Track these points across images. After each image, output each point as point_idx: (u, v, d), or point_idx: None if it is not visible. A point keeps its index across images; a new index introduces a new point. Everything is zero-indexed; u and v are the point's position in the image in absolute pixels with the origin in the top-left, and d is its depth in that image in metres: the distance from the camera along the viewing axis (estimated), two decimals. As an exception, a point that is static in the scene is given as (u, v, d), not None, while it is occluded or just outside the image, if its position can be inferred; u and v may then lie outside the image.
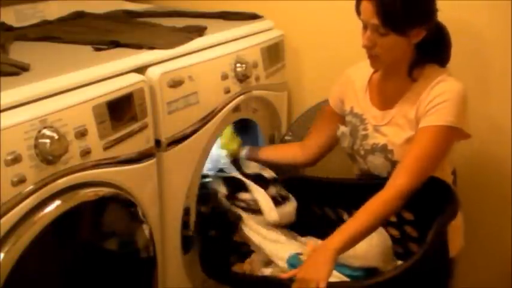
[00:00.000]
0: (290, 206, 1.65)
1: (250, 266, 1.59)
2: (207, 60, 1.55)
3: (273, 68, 1.80)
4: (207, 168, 1.71)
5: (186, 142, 1.49)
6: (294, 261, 1.48)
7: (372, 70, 1.55)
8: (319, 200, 1.67)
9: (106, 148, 1.27)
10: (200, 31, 1.63)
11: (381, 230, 1.50)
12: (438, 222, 1.30)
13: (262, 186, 1.66)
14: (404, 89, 1.48)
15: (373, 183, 1.39)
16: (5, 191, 1.07)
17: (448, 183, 1.46)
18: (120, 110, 1.30)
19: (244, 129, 1.87)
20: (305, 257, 1.44)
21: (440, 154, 1.41)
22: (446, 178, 1.50)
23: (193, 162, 1.54)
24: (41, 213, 1.15)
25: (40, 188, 1.13)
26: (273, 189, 1.66)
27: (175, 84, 1.44)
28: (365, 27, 1.41)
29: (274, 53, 1.81)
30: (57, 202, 1.18)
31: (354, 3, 1.43)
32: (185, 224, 1.57)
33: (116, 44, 1.46)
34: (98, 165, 1.25)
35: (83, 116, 1.21)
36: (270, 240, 1.59)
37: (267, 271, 1.55)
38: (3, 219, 1.08)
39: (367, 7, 1.37)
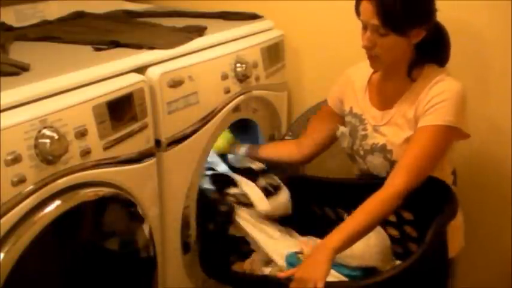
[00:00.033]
0: (283, 196, 1.66)
1: (251, 265, 1.59)
2: (207, 60, 1.55)
3: (273, 68, 1.80)
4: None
5: (186, 142, 1.49)
6: (293, 260, 1.49)
7: (371, 70, 1.55)
8: (319, 200, 1.68)
9: (106, 148, 1.27)
10: (200, 31, 1.63)
11: (379, 230, 1.50)
12: (437, 222, 1.30)
13: (251, 179, 1.67)
14: (404, 89, 1.48)
15: (373, 183, 1.39)
16: (5, 191, 1.07)
17: (447, 183, 1.46)
18: (120, 110, 1.30)
19: (244, 129, 1.87)
20: (303, 256, 1.44)
21: (438, 154, 1.41)
22: (446, 178, 1.50)
23: (193, 162, 1.54)
24: (41, 213, 1.15)
25: (40, 188, 1.13)
26: (262, 181, 1.67)
27: (175, 84, 1.44)
28: (365, 27, 1.41)
29: (274, 53, 1.81)
30: (57, 202, 1.18)
31: (354, 3, 1.43)
32: (185, 224, 1.57)
33: (116, 44, 1.46)
34: (98, 165, 1.25)
35: (83, 116, 1.21)
36: (265, 234, 1.59)
37: (267, 270, 1.55)
38: (3, 219, 1.08)
39: (367, 7, 1.37)
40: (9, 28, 1.64)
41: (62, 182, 1.18)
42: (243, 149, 1.77)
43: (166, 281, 1.54)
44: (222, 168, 1.74)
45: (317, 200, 1.68)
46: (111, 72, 1.32)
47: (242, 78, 1.64)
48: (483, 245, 1.81)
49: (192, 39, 1.57)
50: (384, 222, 1.52)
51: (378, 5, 1.35)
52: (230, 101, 1.63)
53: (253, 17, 1.87)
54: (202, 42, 1.60)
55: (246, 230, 1.61)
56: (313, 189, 1.69)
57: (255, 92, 1.73)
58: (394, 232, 1.54)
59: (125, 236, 1.42)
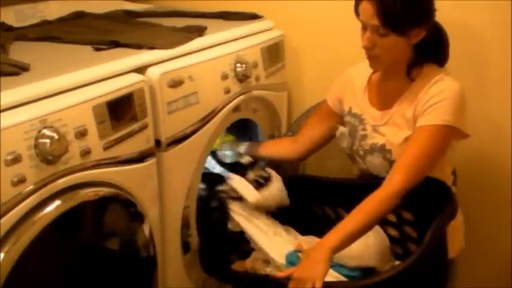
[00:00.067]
0: (274, 186, 1.66)
1: (253, 263, 1.59)
2: (207, 60, 1.55)
3: (273, 68, 1.80)
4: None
5: (186, 142, 1.49)
6: (293, 259, 1.49)
7: (371, 70, 1.55)
8: (320, 200, 1.68)
9: (106, 148, 1.27)
10: (200, 31, 1.63)
11: (378, 230, 1.50)
12: (436, 223, 1.30)
13: (240, 173, 1.68)
14: (403, 88, 1.48)
15: (373, 183, 1.39)
16: (5, 191, 1.07)
17: (447, 184, 1.46)
18: (120, 110, 1.30)
19: (244, 129, 1.87)
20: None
21: (437, 153, 1.41)
22: (446, 178, 1.50)
23: (193, 162, 1.54)
24: (41, 213, 1.15)
25: (40, 188, 1.13)
26: (251, 174, 1.68)
27: (175, 84, 1.44)
28: (364, 28, 1.41)
29: (274, 53, 1.81)
30: (57, 202, 1.18)
31: (353, 3, 1.43)
32: (185, 224, 1.57)
33: (116, 44, 1.46)
34: (98, 165, 1.25)
35: (83, 116, 1.21)
36: (260, 230, 1.59)
37: (269, 269, 1.55)
38: (3, 219, 1.08)
39: (366, 8, 1.37)
40: (9, 28, 1.64)
41: (62, 182, 1.18)
42: (242, 147, 1.78)
43: (166, 281, 1.54)
44: (218, 169, 1.75)
45: (317, 200, 1.68)
46: (111, 72, 1.32)
47: (242, 78, 1.64)
48: (483, 245, 1.81)
49: (192, 39, 1.57)
50: (383, 223, 1.52)
51: (377, 5, 1.35)
52: (230, 101, 1.63)
53: (253, 17, 1.87)
54: (202, 42, 1.60)
55: (240, 225, 1.61)
56: (314, 188, 1.69)
57: (255, 92, 1.73)
58: (394, 232, 1.54)
59: (125, 236, 1.42)
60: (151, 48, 1.46)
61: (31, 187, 1.11)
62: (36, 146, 1.11)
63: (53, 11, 1.81)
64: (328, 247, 1.27)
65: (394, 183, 1.35)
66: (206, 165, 1.70)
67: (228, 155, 1.77)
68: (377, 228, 1.50)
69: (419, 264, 1.26)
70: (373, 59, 1.44)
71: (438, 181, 1.42)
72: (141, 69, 1.39)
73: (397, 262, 1.50)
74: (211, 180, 1.69)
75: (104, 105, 1.25)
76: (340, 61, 1.75)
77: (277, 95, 1.87)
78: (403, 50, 1.43)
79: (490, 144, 1.76)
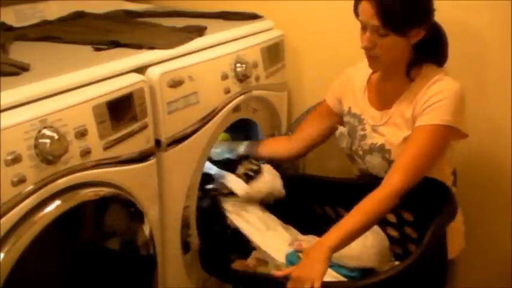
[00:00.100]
0: (264, 176, 1.67)
1: (253, 262, 1.59)
2: (207, 60, 1.55)
3: (273, 68, 1.80)
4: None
5: (186, 142, 1.49)
6: (293, 259, 1.49)
7: (370, 70, 1.55)
8: (320, 199, 1.68)
9: (106, 148, 1.27)
10: (200, 31, 1.63)
11: (377, 230, 1.50)
12: (436, 223, 1.30)
13: (230, 169, 1.69)
14: (402, 88, 1.48)
15: (373, 183, 1.39)
16: (5, 191, 1.07)
17: (447, 184, 1.46)
18: (120, 110, 1.30)
19: (244, 129, 1.87)
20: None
21: (436, 153, 1.41)
22: (446, 179, 1.50)
23: (193, 162, 1.54)
24: (41, 213, 1.15)
25: (40, 188, 1.13)
26: (241, 169, 1.69)
27: (175, 84, 1.44)
28: (364, 28, 1.41)
29: (274, 53, 1.81)
30: (57, 202, 1.18)
31: (353, 3, 1.43)
32: (185, 224, 1.57)
33: (116, 44, 1.46)
34: (98, 165, 1.25)
35: (83, 116, 1.21)
36: (253, 227, 1.59)
37: (268, 268, 1.55)
38: (3, 219, 1.08)
39: (366, 8, 1.37)
40: (9, 28, 1.64)
41: (62, 182, 1.18)
42: (242, 147, 1.78)
43: (166, 280, 1.54)
44: (214, 170, 1.75)
45: (318, 199, 1.68)
46: (111, 72, 1.32)
47: (242, 78, 1.64)
48: (483, 245, 1.81)
49: (192, 39, 1.57)
50: (383, 223, 1.53)
51: (377, 6, 1.35)
52: (230, 101, 1.63)
53: (253, 17, 1.87)
54: (202, 42, 1.60)
55: (234, 223, 1.61)
56: (314, 188, 1.70)
57: (255, 92, 1.73)
58: (394, 233, 1.54)
59: (125, 236, 1.42)
60: (151, 48, 1.46)
61: (31, 187, 1.11)
62: (36, 146, 1.11)
63: (53, 11, 1.81)
64: (327, 246, 1.27)
65: (393, 183, 1.35)
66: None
67: (217, 152, 1.77)
68: (376, 228, 1.50)
69: (419, 264, 1.26)
70: (372, 59, 1.44)
71: (438, 182, 1.42)
72: (141, 69, 1.39)
73: (397, 263, 1.50)
74: (201, 180, 1.69)
75: (104, 105, 1.25)
76: (340, 61, 1.75)
77: (277, 95, 1.87)
78: (402, 50, 1.43)
79: (489, 144, 1.76)
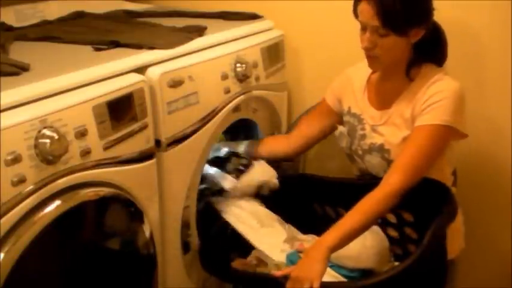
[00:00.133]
0: (255, 169, 1.68)
1: (253, 261, 1.59)
2: (207, 60, 1.55)
3: (273, 68, 1.80)
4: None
5: (186, 142, 1.49)
6: (293, 258, 1.49)
7: (370, 70, 1.55)
8: (320, 199, 1.68)
9: (106, 148, 1.27)
10: (200, 31, 1.63)
11: (377, 231, 1.50)
12: (436, 224, 1.30)
13: (219, 167, 1.70)
14: (402, 88, 1.48)
15: (373, 183, 1.39)
16: (5, 191, 1.07)
17: (447, 185, 1.46)
18: (120, 110, 1.30)
19: (244, 129, 1.87)
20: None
21: (435, 153, 1.41)
22: (446, 179, 1.50)
23: (193, 162, 1.54)
24: (41, 213, 1.15)
25: (40, 188, 1.13)
26: (230, 165, 1.70)
27: (175, 84, 1.44)
28: (364, 28, 1.41)
29: (274, 53, 1.81)
30: (57, 202, 1.18)
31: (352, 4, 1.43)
32: (185, 224, 1.57)
33: (116, 44, 1.46)
34: (98, 165, 1.25)
35: (83, 116, 1.21)
36: (248, 227, 1.59)
37: (268, 267, 1.55)
38: (3, 219, 1.08)
39: (366, 8, 1.37)
40: (9, 28, 1.64)
41: (62, 182, 1.18)
42: (242, 146, 1.78)
43: (166, 280, 1.54)
44: (211, 171, 1.76)
45: (318, 199, 1.68)
46: (111, 72, 1.32)
47: (242, 78, 1.64)
48: (483, 246, 1.81)
49: (192, 39, 1.57)
50: (384, 223, 1.53)
51: (377, 6, 1.35)
52: (230, 101, 1.63)
53: (253, 17, 1.87)
54: (202, 42, 1.60)
55: (230, 223, 1.62)
56: (314, 188, 1.70)
57: (255, 92, 1.73)
58: (394, 233, 1.54)
59: (125, 235, 1.42)
60: (151, 48, 1.46)
61: (31, 187, 1.11)
62: (36, 146, 1.11)
63: (53, 11, 1.81)
64: (326, 246, 1.27)
65: (392, 183, 1.35)
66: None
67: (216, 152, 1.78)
68: (376, 229, 1.50)
69: (419, 265, 1.26)
70: (372, 59, 1.44)
71: (438, 182, 1.42)
72: (141, 69, 1.39)
73: (397, 263, 1.50)
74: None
75: (104, 105, 1.25)
76: (340, 61, 1.75)
77: (277, 95, 1.87)
78: (402, 50, 1.43)
79: (489, 145, 1.76)
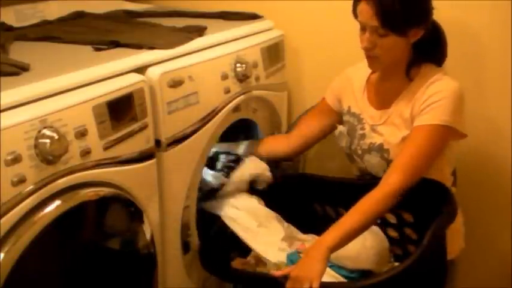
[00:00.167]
0: (245, 164, 1.69)
1: (253, 261, 1.59)
2: (207, 60, 1.55)
3: (273, 68, 1.80)
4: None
5: (186, 142, 1.49)
6: (294, 258, 1.49)
7: (370, 70, 1.55)
8: (321, 199, 1.68)
9: (106, 148, 1.27)
10: (200, 31, 1.63)
11: (377, 231, 1.50)
12: (435, 224, 1.30)
13: (209, 166, 1.70)
14: (401, 88, 1.48)
15: (373, 183, 1.39)
16: (5, 191, 1.07)
17: (447, 185, 1.46)
18: (120, 110, 1.30)
19: (244, 129, 1.87)
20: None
21: (434, 153, 1.41)
22: (445, 179, 1.50)
23: (193, 162, 1.54)
24: (41, 213, 1.15)
25: (40, 188, 1.13)
26: (219, 164, 1.72)
27: (175, 84, 1.44)
28: (363, 29, 1.41)
29: (274, 53, 1.81)
30: (57, 202, 1.18)
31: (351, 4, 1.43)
32: (185, 224, 1.57)
33: (116, 44, 1.46)
34: (98, 165, 1.25)
35: (83, 116, 1.21)
36: (244, 228, 1.60)
37: (268, 267, 1.55)
38: (3, 219, 1.08)
39: (365, 9, 1.37)
40: (9, 28, 1.64)
41: (62, 182, 1.18)
42: (241, 147, 1.78)
43: (166, 280, 1.54)
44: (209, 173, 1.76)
45: (318, 199, 1.68)
46: (111, 72, 1.32)
47: (242, 78, 1.64)
48: (483, 246, 1.81)
49: (192, 39, 1.57)
50: (384, 224, 1.53)
51: (376, 6, 1.35)
52: (230, 101, 1.63)
53: (253, 17, 1.87)
54: (202, 42, 1.60)
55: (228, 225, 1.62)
56: (315, 188, 1.70)
57: (255, 92, 1.73)
58: (394, 234, 1.54)
59: (125, 235, 1.42)
60: (151, 48, 1.46)
61: (31, 187, 1.11)
62: (36, 146, 1.11)
63: (53, 11, 1.81)
64: (326, 246, 1.27)
65: (391, 183, 1.35)
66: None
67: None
68: (376, 229, 1.50)
69: (419, 265, 1.26)
70: (372, 59, 1.44)
71: (438, 183, 1.42)
72: (141, 69, 1.39)
73: (397, 264, 1.50)
74: None
75: (104, 105, 1.25)
76: (340, 61, 1.75)
77: (277, 95, 1.87)
78: (402, 50, 1.43)
79: (489, 145, 1.76)
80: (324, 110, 1.67)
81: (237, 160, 1.70)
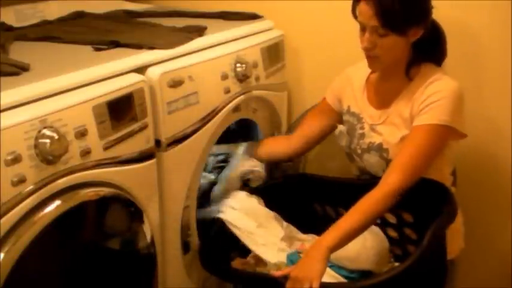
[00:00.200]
0: (233, 161, 1.70)
1: (253, 261, 1.59)
2: (207, 60, 1.55)
3: (273, 68, 1.80)
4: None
5: (186, 142, 1.49)
6: (294, 258, 1.49)
7: (370, 70, 1.55)
8: (321, 199, 1.68)
9: (106, 148, 1.27)
10: (200, 31, 1.63)
11: (377, 232, 1.50)
12: (435, 225, 1.30)
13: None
14: (401, 88, 1.48)
15: (373, 183, 1.39)
16: (5, 191, 1.07)
17: (446, 185, 1.46)
18: (120, 110, 1.30)
19: (244, 129, 1.87)
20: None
21: (434, 153, 1.41)
22: (445, 179, 1.50)
23: (193, 162, 1.54)
24: (41, 213, 1.15)
25: (40, 188, 1.13)
26: (209, 166, 1.74)
27: (175, 84, 1.44)
28: (363, 29, 1.41)
29: (274, 53, 1.81)
30: (57, 202, 1.18)
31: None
32: (185, 224, 1.57)
33: (116, 44, 1.46)
34: (98, 165, 1.25)
35: (83, 116, 1.21)
36: (242, 227, 1.60)
37: (268, 267, 1.55)
38: (3, 219, 1.08)
39: (365, 9, 1.37)
40: (9, 28, 1.64)
41: (62, 182, 1.18)
42: (241, 148, 1.78)
43: (166, 280, 1.54)
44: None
45: (318, 199, 1.68)
46: (111, 72, 1.32)
47: (242, 78, 1.64)
48: (483, 246, 1.81)
49: (192, 39, 1.57)
50: (383, 224, 1.53)
51: (376, 6, 1.35)
52: (230, 101, 1.63)
53: (253, 17, 1.87)
54: (202, 42, 1.60)
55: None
56: (315, 187, 1.70)
57: (255, 92, 1.73)
58: (394, 234, 1.54)
59: (125, 235, 1.42)
60: (151, 48, 1.46)
61: (31, 187, 1.11)
62: (36, 146, 1.11)
63: (53, 11, 1.81)
64: (326, 246, 1.27)
65: (390, 183, 1.35)
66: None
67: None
68: (376, 230, 1.50)
69: (419, 265, 1.26)
70: (372, 59, 1.44)
71: (438, 183, 1.42)
72: (141, 69, 1.39)
73: (397, 264, 1.50)
74: None
75: (104, 105, 1.25)
76: (340, 61, 1.75)
77: (277, 95, 1.87)
78: (402, 49, 1.43)
79: (489, 144, 1.76)
80: (325, 110, 1.67)
81: (226, 160, 1.70)
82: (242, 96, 1.68)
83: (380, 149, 1.49)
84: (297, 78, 2.02)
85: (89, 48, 1.45)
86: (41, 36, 1.56)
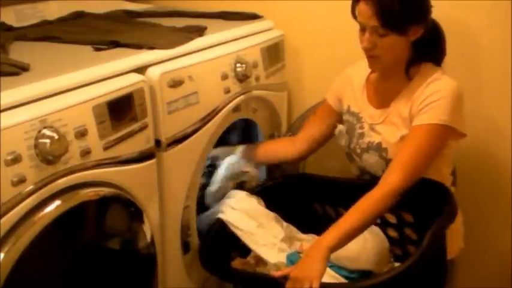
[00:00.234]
0: (223, 165, 1.69)
1: (253, 261, 1.59)
2: (207, 60, 1.55)
3: (273, 68, 1.80)
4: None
5: (186, 142, 1.49)
6: (294, 258, 1.49)
7: (370, 69, 1.55)
8: (321, 198, 1.68)
9: (106, 148, 1.27)
10: (200, 31, 1.64)
11: (377, 232, 1.50)
12: (435, 225, 1.30)
13: None
14: (401, 87, 1.48)
15: (373, 183, 1.39)
16: (5, 191, 1.07)
17: (446, 185, 1.46)
18: (120, 110, 1.30)
19: (244, 129, 1.87)
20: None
21: (433, 152, 1.41)
22: (445, 179, 1.50)
23: (193, 162, 1.54)
24: (41, 213, 1.15)
25: (40, 188, 1.13)
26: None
27: (175, 84, 1.44)
28: (363, 29, 1.41)
29: (274, 53, 1.81)
30: (57, 202, 1.18)
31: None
32: (185, 224, 1.57)
33: (116, 44, 1.46)
34: (98, 165, 1.25)
35: (83, 116, 1.21)
36: (242, 227, 1.60)
37: (268, 267, 1.55)
38: (3, 219, 1.08)
39: (364, 9, 1.37)
40: (9, 28, 1.65)
41: (62, 182, 1.18)
42: (238, 150, 1.77)
43: (166, 280, 1.54)
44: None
45: (318, 199, 1.68)
46: (111, 72, 1.32)
47: (242, 78, 1.64)
48: (483, 246, 1.81)
49: (192, 39, 1.57)
50: (383, 224, 1.53)
51: (376, 6, 1.35)
52: (230, 101, 1.63)
53: (253, 17, 1.87)
54: (202, 42, 1.60)
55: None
56: (315, 187, 1.70)
57: (255, 92, 1.73)
58: (394, 234, 1.54)
59: (125, 235, 1.42)
60: (151, 48, 1.46)
61: (31, 187, 1.11)
62: (36, 146, 1.11)
63: (53, 11, 1.81)
64: (326, 246, 1.27)
65: (390, 182, 1.35)
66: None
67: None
68: (377, 230, 1.50)
69: (419, 265, 1.26)
70: (373, 59, 1.44)
71: (438, 183, 1.42)
72: (141, 69, 1.39)
73: (397, 264, 1.50)
74: None
75: (104, 105, 1.25)
76: (340, 61, 1.75)
77: (277, 95, 1.87)
78: (402, 49, 1.43)
79: (488, 144, 1.76)
80: (326, 111, 1.67)
81: (213, 165, 1.70)
82: (242, 96, 1.68)
83: (379, 148, 1.49)
84: (297, 78, 2.02)
85: (89, 48, 1.45)
86: (41, 36, 1.56)
